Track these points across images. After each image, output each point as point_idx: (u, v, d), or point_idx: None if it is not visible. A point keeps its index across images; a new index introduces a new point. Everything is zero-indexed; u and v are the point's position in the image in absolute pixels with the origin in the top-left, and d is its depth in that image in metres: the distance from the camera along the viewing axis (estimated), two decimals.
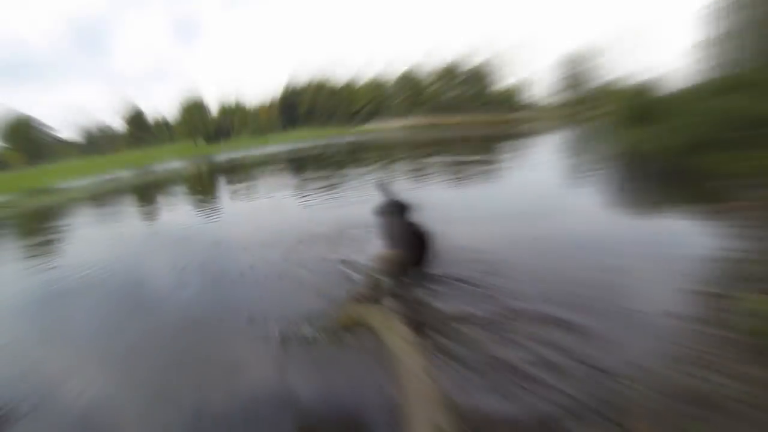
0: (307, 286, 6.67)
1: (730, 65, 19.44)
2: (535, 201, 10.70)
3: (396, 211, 7.32)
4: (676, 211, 9.10)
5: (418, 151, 32.36)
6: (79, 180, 45.20)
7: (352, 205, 12.65)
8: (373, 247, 7.87)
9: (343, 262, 7.66)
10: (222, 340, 5.45)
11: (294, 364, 4.60)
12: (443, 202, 11.58)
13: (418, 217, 7.18)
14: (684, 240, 7.16)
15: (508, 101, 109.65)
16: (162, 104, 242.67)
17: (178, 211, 17.03)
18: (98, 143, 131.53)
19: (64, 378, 5.34)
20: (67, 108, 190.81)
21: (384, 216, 7.26)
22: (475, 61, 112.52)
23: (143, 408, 4.45)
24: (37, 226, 18.05)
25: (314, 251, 8.37)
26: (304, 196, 15.88)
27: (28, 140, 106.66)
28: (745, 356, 3.55)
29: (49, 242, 13.63)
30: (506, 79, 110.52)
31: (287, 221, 11.40)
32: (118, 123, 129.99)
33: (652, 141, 12.88)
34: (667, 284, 5.50)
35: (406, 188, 14.76)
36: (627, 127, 13.57)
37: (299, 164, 30.40)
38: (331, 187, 17.31)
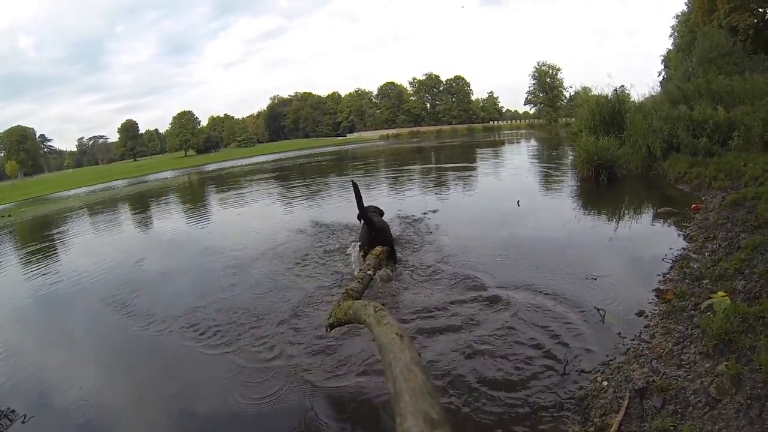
0: (295, 285, 6.69)
1: (684, 77, 19.71)
2: (510, 204, 10.73)
3: (376, 214, 7.42)
4: (642, 213, 9.17)
5: (398, 158, 32.47)
6: (74, 189, 44.83)
7: (332, 209, 12.68)
8: (356, 246, 7.91)
9: (326, 260, 7.76)
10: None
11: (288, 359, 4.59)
12: (424, 206, 11.59)
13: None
14: (649, 240, 7.19)
15: (486, 111, 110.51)
16: (154, 116, 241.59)
17: (169, 219, 16.91)
18: (93, 154, 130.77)
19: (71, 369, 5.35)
20: (63, 119, 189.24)
21: (366, 218, 7.35)
22: (454, 73, 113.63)
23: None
24: (33, 234, 17.85)
25: (297, 251, 8.42)
26: (288, 203, 15.89)
27: (25, 151, 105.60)
28: (708, 351, 3.55)
29: (45, 249, 13.47)
30: (483, 90, 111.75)
31: (272, 225, 11.34)
32: (112, 134, 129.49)
33: (620, 147, 12.98)
34: (633, 282, 5.52)
35: (385, 193, 14.83)
36: (596, 134, 13.67)
37: (284, 173, 30.32)
38: (314, 193, 17.32)
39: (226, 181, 29.88)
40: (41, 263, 11.35)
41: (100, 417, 4.33)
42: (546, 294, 5.47)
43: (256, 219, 13.44)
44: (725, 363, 3.28)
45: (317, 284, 6.69)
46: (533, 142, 36.92)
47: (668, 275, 5.51)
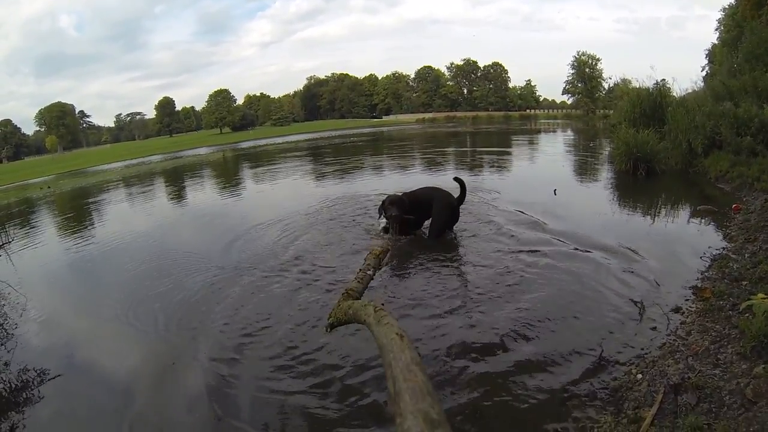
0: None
1: (729, 73, 19.12)
2: (547, 192, 10.75)
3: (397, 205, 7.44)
4: (680, 210, 9.06)
5: (434, 142, 32.46)
6: (111, 163, 45.73)
7: (362, 187, 12.91)
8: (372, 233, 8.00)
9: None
10: None
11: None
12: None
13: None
14: (688, 237, 7.11)
15: (523, 99, 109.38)
16: (191, 94, 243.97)
17: (202, 192, 17.32)
18: (130, 130, 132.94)
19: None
20: (102, 96, 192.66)
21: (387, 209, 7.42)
22: (492, 59, 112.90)
23: None
24: (71, 203, 18.40)
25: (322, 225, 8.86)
26: (319, 179, 16.17)
27: (65, 126, 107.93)
28: (745, 353, 3.53)
29: (79, 218, 14.10)
30: (520, 78, 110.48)
31: (303, 201, 11.57)
32: (149, 111, 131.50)
33: (660, 141, 12.75)
34: (670, 278, 5.45)
35: (420, 173, 14.99)
36: (635, 127, 13.46)
37: (319, 152, 30.49)
38: (345, 172, 17.52)
39: (261, 158, 30.26)
40: (76, 231, 11.89)
41: (128, 379, 4.49)
42: (582, 282, 5.50)
43: (288, 195, 13.82)
44: (763, 365, 3.27)
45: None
46: (570, 133, 36.40)
47: (706, 273, 5.45)
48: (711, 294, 4.72)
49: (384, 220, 7.79)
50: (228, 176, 22.67)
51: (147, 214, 13.78)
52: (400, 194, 7.74)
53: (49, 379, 4.55)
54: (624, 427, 3.17)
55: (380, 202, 7.81)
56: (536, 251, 6.68)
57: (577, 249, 6.67)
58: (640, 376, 3.66)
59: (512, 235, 7.46)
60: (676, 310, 4.64)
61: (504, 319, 4.77)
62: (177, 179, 23.36)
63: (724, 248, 6.21)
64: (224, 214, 11.79)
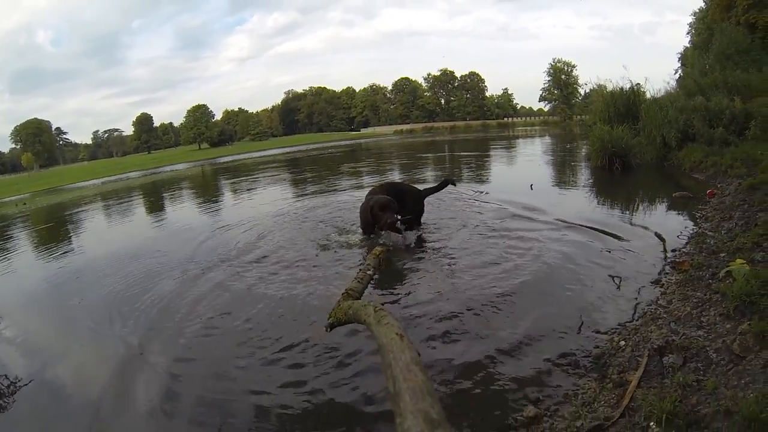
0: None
1: (701, 74, 19.49)
2: (523, 187, 10.77)
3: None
4: (656, 197, 9.12)
5: (412, 150, 32.63)
6: (88, 181, 45.33)
7: (340, 197, 12.65)
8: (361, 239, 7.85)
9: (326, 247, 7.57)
10: None
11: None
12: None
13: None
14: (665, 220, 7.18)
15: (500, 107, 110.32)
16: (169, 110, 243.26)
17: (179, 204, 17.24)
18: (108, 146, 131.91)
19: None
20: (79, 113, 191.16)
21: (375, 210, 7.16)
22: (469, 69, 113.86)
23: None
24: (46, 221, 18.16)
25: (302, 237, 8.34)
26: (294, 187, 16.15)
27: (41, 143, 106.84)
28: (728, 313, 3.51)
29: (52, 234, 13.87)
30: (497, 86, 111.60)
31: (275, 205, 11.65)
32: (127, 127, 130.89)
33: (634, 137, 12.89)
34: (648, 256, 5.47)
35: (397, 178, 14.98)
36: (610, 124, 13.60)
37: (297, 165, 30.50)
38: (321, 180, 17.53)
39: (239, 172, 30.15)
40: (48, 246, 11.58)
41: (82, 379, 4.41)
42: (562, 263, 5.49)
43: (262, 201, 13.74)
44: (748, 322, 3.23)
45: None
46: (547, 138, 36.81)
47: (684, 250, 5.49)
48: (690, 266, 4.70)
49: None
50: (204, 189, 22.58)
51: (117, 225, 13.97)
52: (386, 196, 7.03)
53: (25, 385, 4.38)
54: (609, 391, 3.11)
55: (366, 209, 6.99)
56: (519, 237, 6.70)
57: (556, 234, 6.72)
58: (623, 342, 3.62)
59: (494, 225, 7.49)
60: (656, 282, 4.64)
61: (487, 298, 4.74)
62: (153, 193, 23.25)
63: (700, 227, 6.24)
64: (194, 222, 11.60)
